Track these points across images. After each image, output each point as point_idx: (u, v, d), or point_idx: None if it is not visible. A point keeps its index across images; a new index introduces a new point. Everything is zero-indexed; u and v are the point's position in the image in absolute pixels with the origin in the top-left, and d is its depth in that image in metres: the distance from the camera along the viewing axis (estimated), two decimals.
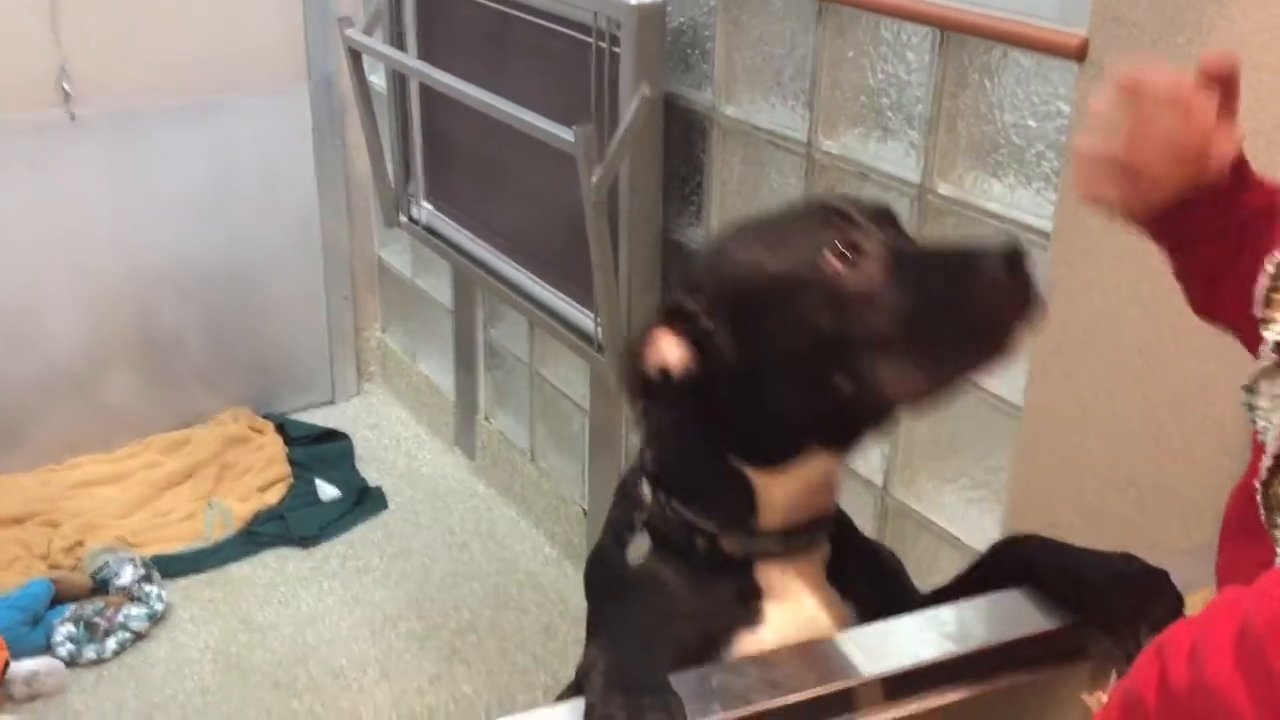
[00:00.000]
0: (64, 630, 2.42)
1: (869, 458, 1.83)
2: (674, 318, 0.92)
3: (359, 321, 3.38)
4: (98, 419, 3.04)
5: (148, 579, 2.59)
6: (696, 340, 0.91)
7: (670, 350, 0.91)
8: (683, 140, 2.14)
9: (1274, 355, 0.69)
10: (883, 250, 0.89)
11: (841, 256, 0.88)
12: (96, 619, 2.45)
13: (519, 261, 2.55)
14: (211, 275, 3.08)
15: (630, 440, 2.41)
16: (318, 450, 3.12)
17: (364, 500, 2.93)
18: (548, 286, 2.46)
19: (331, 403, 3.36)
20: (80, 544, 2.72)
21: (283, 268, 3.18)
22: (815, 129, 1.85)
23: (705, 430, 0.94)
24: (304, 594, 2.63)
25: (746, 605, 0.97)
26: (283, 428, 3.18)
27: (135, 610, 2.49)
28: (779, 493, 0.94)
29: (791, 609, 0.98)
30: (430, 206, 2.83)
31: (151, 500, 2.92)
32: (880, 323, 0.86)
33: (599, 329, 2.27)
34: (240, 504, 2.90)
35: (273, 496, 2.94)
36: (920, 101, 1.69)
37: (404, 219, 2.85)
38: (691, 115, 2.11)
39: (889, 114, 1.75)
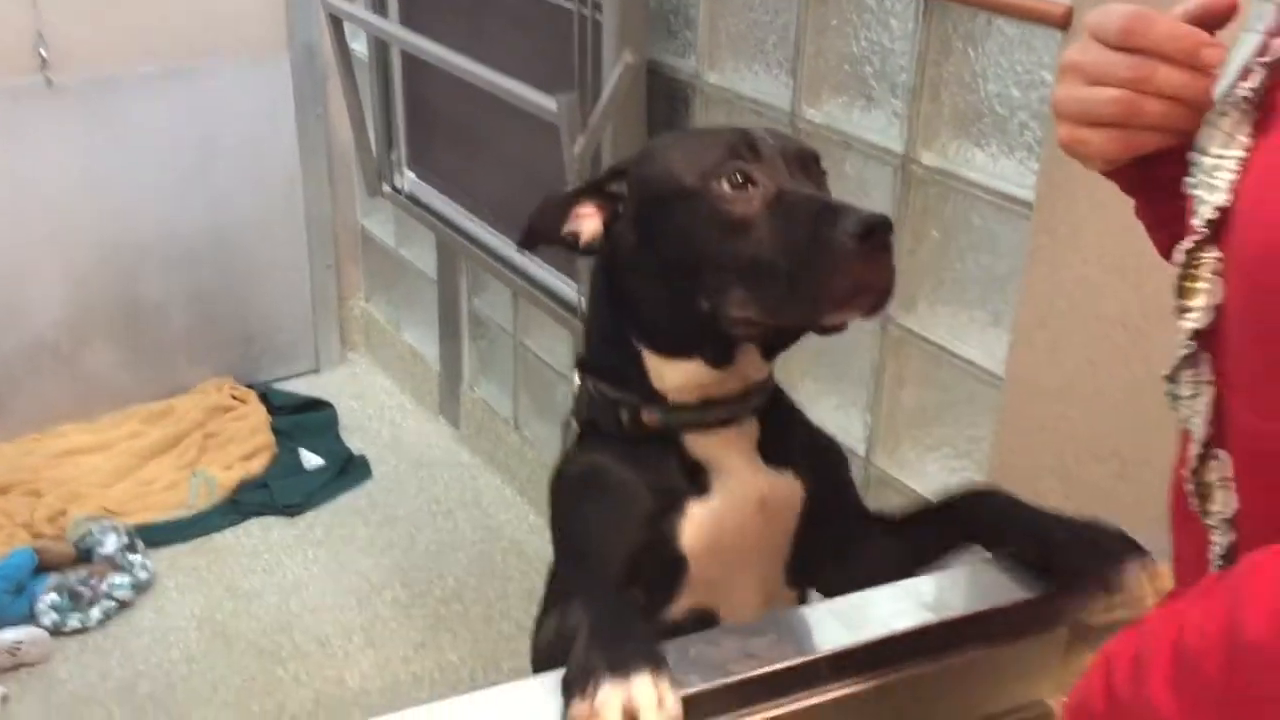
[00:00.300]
0: (48, 599, 2.41)
1: (851, 425, 1.83)
2: (595, 194, 1.02)
3: (342, 290, 3.36)
4: (80, 389, 3.02)
5: (131, 548, 2.58)
6: (609, 221, 1.01)
7: (586, 220, 1.01)
8: (666, 108, 2.12)
9: (1191, 344, 0.68)
10: (772, 187, 0.95)
11: (733, 182, 0.95)
12: (81, 588, 2.44)
13: (502, 231, 2.53)
14: (193, 244, 3.05)
15: None
16: (301, 419, 3.10)
17: (348, 469, 2.92)
18: (530, 256, 2.44)
19: (316, 372, 3.34)
20: (63, 513, 2.70)
21: (265, 237, 3.15)
22: (799, 97, 1.84)
23: (614, 310, 1.03)
24: (289, 562, 2.62)
25: (692, 477, 1.03)
26: (266, 397, 3.17)
27: (119, 579, 2.49)
28: (667, 377, 1.01)
29: (736, 479, 1.03)
30: (413, 175, 2.80)
31: (135, 469, 2.90)
32: (741, 250, 0.93)
33: (582, 298, 2.26)
34: (224, 473, 2.89)
35: (256, 465, 2.93)
36: (904, 70, 1.67)
37: (387, 188, 2.83)
38: (674, 83, 2.09)
39: (872, 82, 1.74)
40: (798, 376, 1.91)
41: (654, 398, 1.02)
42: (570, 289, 2.34)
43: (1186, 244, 0.67)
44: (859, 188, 1.76)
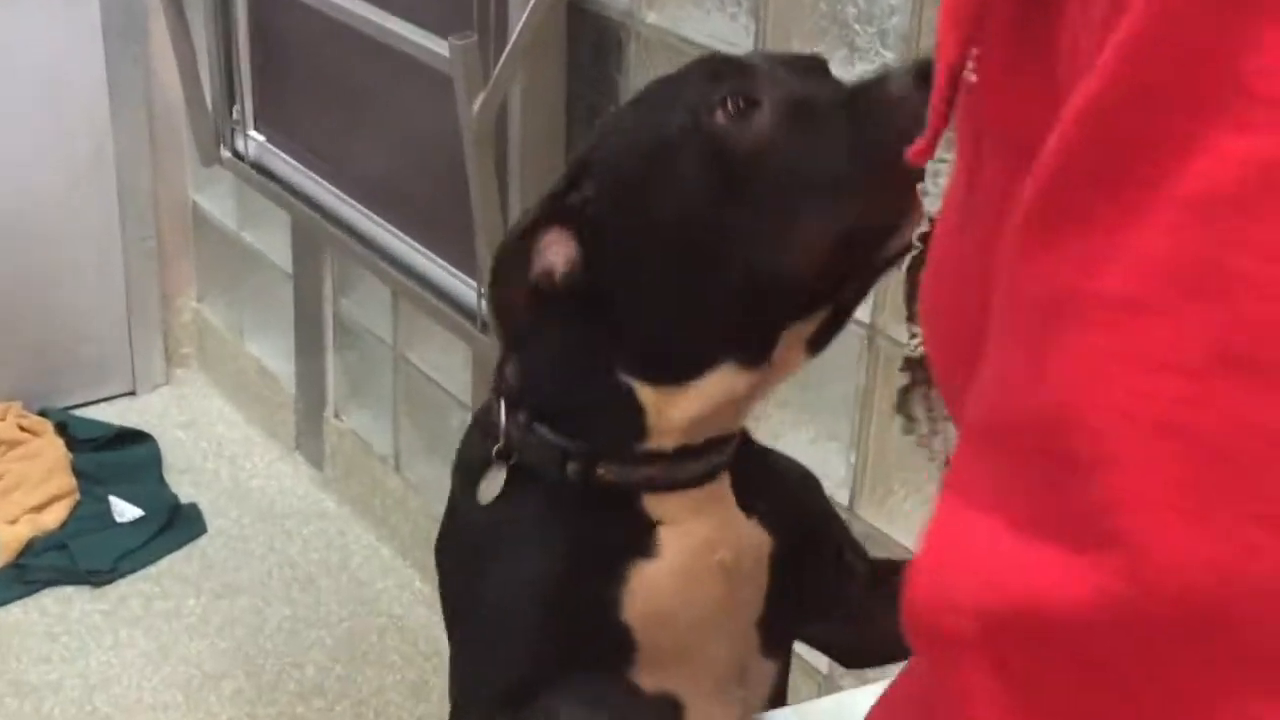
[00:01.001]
0: None
1: (832, 466, 1.84)
2: (557, 212, 0.96)
3: (168, 287, 3.33)
4: None
5: None
6: (581, 235, 0.95)
7: (554, 250, 0.95)
8: (592, 55, 2.12)
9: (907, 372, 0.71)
10: (781, 97, 0.92)
11: (727, 110, 0.91)
12: None
13: (379, 212, 2.52)
14: None
15: None
16: (112, 457, 3.06)
17: (174, 522, 2.88)
18: (416, 246, 2.44)
19: (132, 394, 3.30)
20: None
21: (66, 216, 3.11)
22: (761, 43, 1.84)
23: (587, 340, 0.98)
24: (94, 646, 2.58)
25: (639, 535, 1.01)
26: (65, 428, 3.11)
27: None
28: (675, 414, 0.97)
29: (691, 535, 1.02)
30: (261, 138, 2.78)
31: None
32: (771, 182, 0.91)
33: (483, 302, 2.25)
34: (8, 529, 2.83)
35: (52, 519, 2.88)
36: (895, 12, 1.69)
37: (226, 154, 2.80)
38: (603, 22, 2.09)
39: (856, 26, 1.75)
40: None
41: (621, 447, 0.99)
42: (468, 288, 2.33)
43: (906, 259, 0.70)
44: None
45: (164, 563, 2.79)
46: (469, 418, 2.60)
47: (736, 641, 1.07)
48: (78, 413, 3.18)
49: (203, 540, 2.86)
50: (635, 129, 0.97)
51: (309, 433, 3.03)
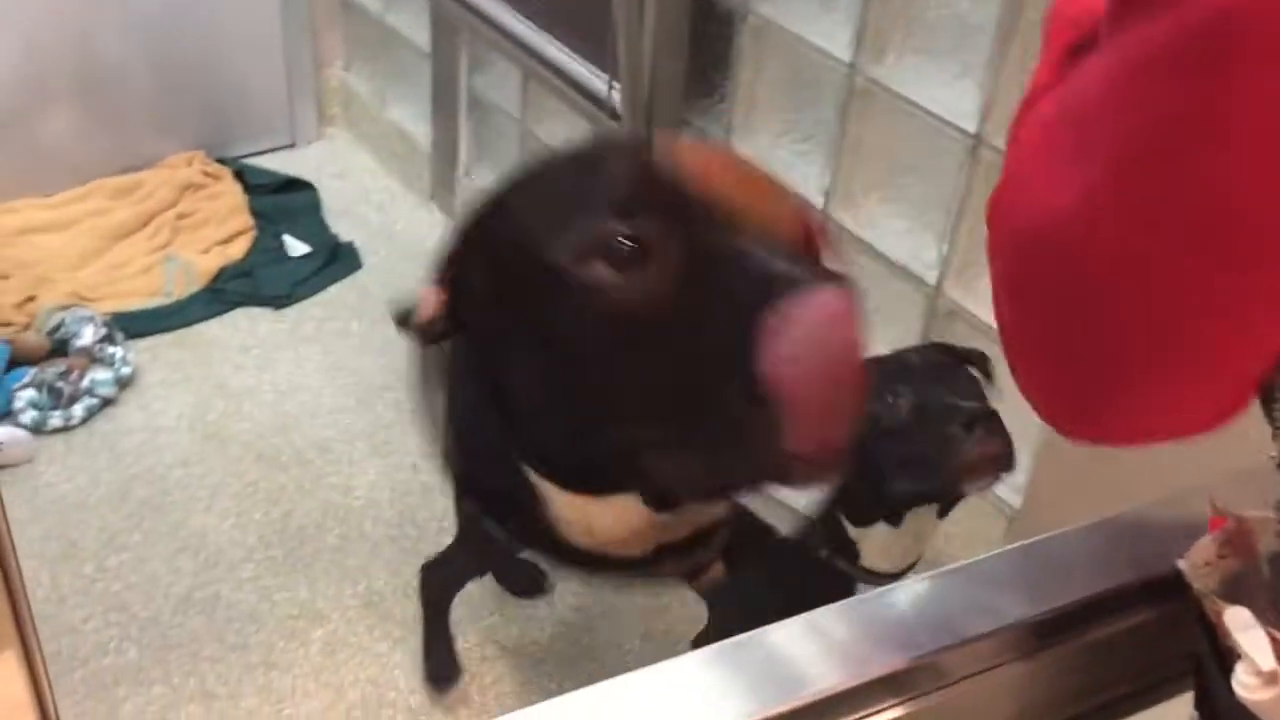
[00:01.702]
0: (25, 396, 2.28)
1: (923, 251, 1.72)
2: (443, 272, 0.81)
3: (319, 57, 3.11)
4: (33, 160, 2.80)
5: (110, 339, 2.44)
6: (450, 302, 0.78)
7: (427, 305, 0.80)
8: None
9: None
10: (678, 249, 0.63)
11: (615, 257, 0.63)
12: (60, 384, 2.31)
13: (516, 5, 2.31)
14: (154, 2, 2.77)
15: None
16: (281, 201, 2.92)
17: (336, 258, 2.76)
18: (550, 38, 2.24)
19: (292, 146, 3.13)
20: (31, 299, 2.54)
21: None
22: None
23: (487, 414, 0.77)
24: (280, 359, 2.50)
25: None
26: (241, 174, 2.96)
27: (101, 374, 2.36)
28: (595, 519, 0.73)
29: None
30: None
31: (103, 252, 2.72)
32: (642, 367, 0.63)
33: (612, 92, 2.08)
34: (202, 258, 2.72)
35: (236, 250, 2.77)
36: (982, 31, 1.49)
37: None
38: None
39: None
40: (862, 194, 1.78)
41: (563, 552, 0.76)
42: (595, 79, 2.15)
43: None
44: None
45: (330, 291, 2.69)
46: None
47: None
48: (248, 161, 3.03)
49: (360, 274, 2.75)
50: (519, 225, 0.72)
51: (443, 186, 2.88)
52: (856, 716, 0.66)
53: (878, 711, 0.67)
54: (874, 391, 0.97)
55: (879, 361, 1.11)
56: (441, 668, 1.85)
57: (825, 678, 0.62)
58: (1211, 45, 0.43)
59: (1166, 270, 0.47)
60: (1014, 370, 0.56)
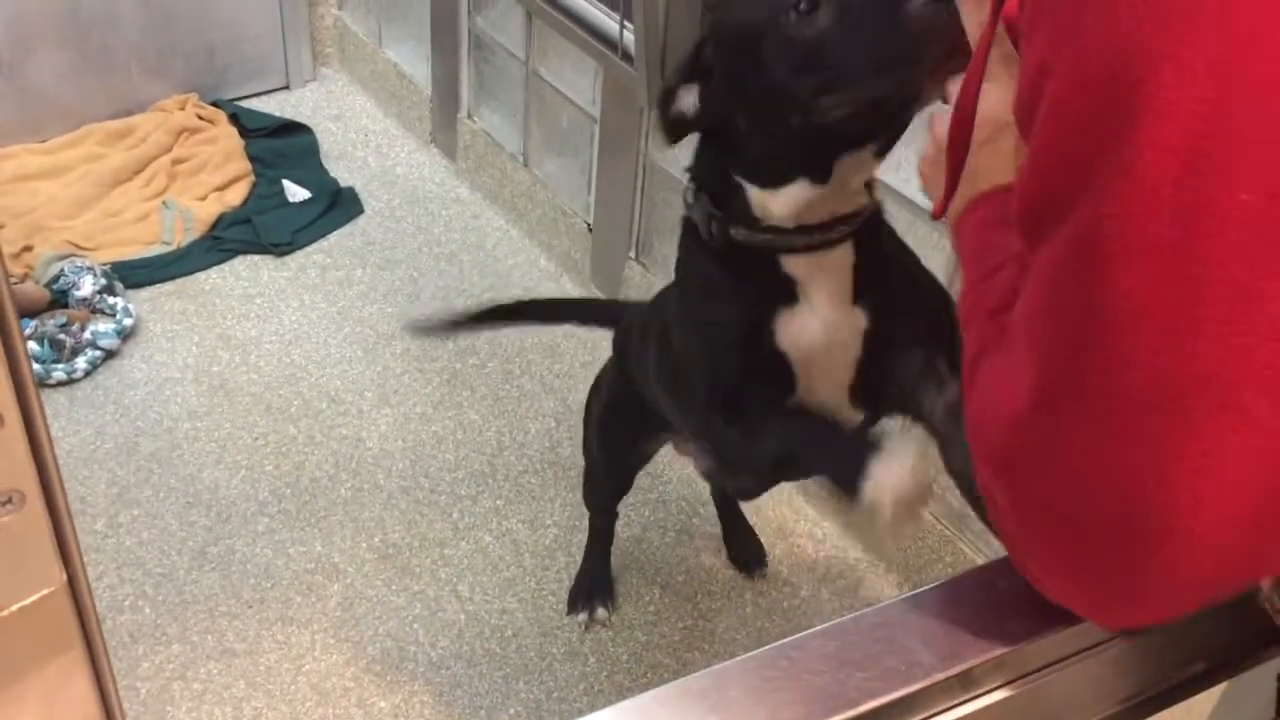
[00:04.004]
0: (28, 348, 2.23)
1: None
2: (690, 72, 1.09)
3: None
4: (25, 104, 2.73)
5: (110, 290, 2.39)
6: (703, 89, 1.08)
7: (686, 99, 1.09)
8: None
9: None
10: (836, 4, 0.98)
11: (798, 10, 0.99)
12: (61, 335, 2.26)
13: None
14: None
15: (649, 155, 2.21)
16: (278, 144, 2.86)
17: (337, 203, 2.71)
18: None
19: (286, 88, 3.06)
20: (28, 249, 2.48)
21: None
22: None
23: (716, 151, 1.12)
24: (284, 308, 2.45)
25: (783, 288, 1.13)
26: (236, 118, 2.89)
27: (102, 326, 2.31)
28: (773, 205, 1.09)
29: (819, 302, 1.13)
30: None
31: (98, 199, 2.66)
32: (820, 67, 0.99)
33: (625, 33, 2.02)
34: (199, 205, 2.66)
35: (234, 196, 2.71)
36: None
37: None
38: None
39: None
40: None
41: (743, 218, 1.11)
42: (606, 19, 2.09)
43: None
44: None
45: (332, 238, 2.64)
46: (596, 129, 2.42)
47: (834, 393, 1.18)
48: (243, 104, 2.96)
49: (362, 219, 2.70)
50: (736, 17, 1.07)
51: (444, 128, 2.82)
52: (948, 705, 0.64)
53: (967, 700, 0.64)
54: None
55: None
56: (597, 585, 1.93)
57: (930, 662, 0.60)
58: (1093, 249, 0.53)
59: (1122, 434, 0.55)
60: (1043, 582, 0.63)
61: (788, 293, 1.12)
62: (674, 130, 1.11)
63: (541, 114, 2.52)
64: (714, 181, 1.13)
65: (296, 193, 2.70)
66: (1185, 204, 0.50)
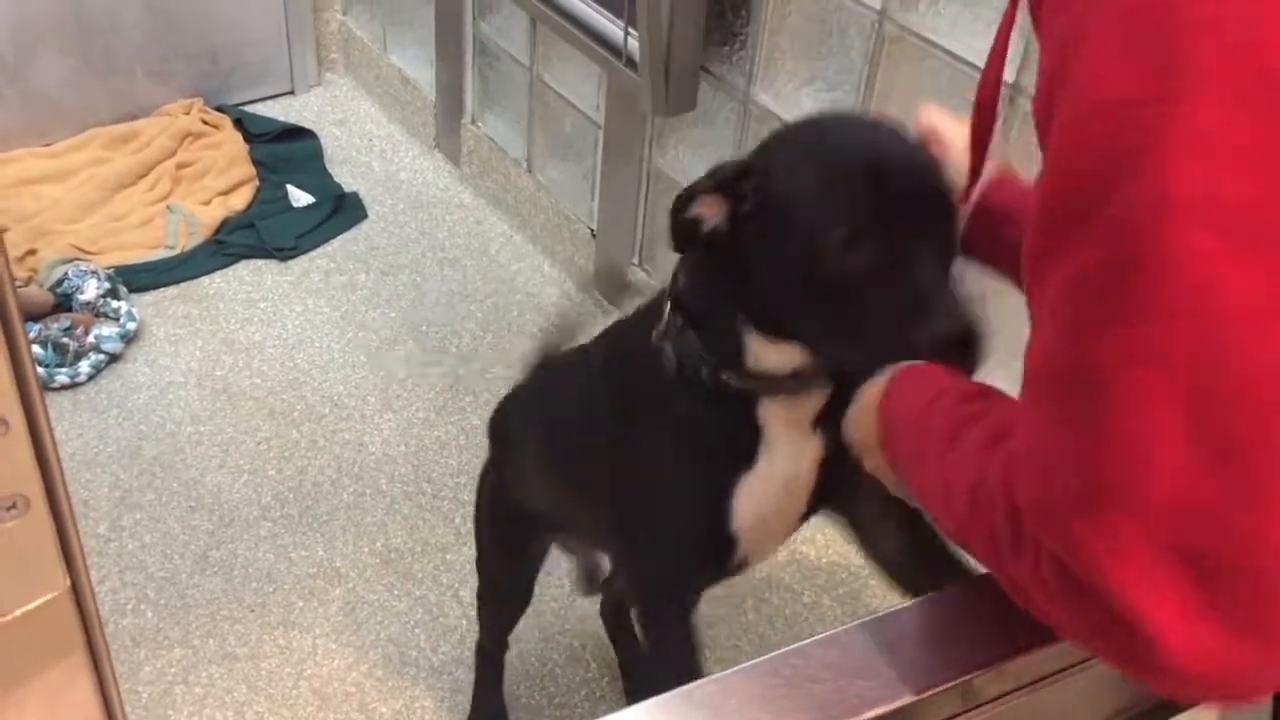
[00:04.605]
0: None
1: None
2: (725, 187, 0.97)
3: (317, 0, 3.03)
4: (29, 108, 2.74)
5: (114, 294, 2.39)
6: (732, 212, 0.97)
7: (710, 209, 0.98)
8: None
9: None
10: (884, 253, 0.91)
11: (846, 240, 0.91)
12: (65, 339, 2.27)
13: None
14: None
15: (653, 161, 2.22)
16: (282, 149, 2.86)
17: (341, 208, 2.71)
18: None
19: (290, 93, 3.07)
20: (32, 253, 2.49)
21: None
22: None
23: (724, 284, 1.01)
24: (288, 312, 2.46)
25: (748, 443, 1.07)
26: (240, 122, 2.90)
27: (106, 330, 2.31)
28: (768, 357, 1.02)
29: (787, 448, 1.08)
30: None
31: (102, 203, 2.67)
32: (845, 300, 0.93)
33: (629, 40, 2.02)
34: (203, 209, 2.67)
35: (238, 201, 2.71)
36: None
37: None
38: None
39: None
40: None
41: (734, 364, 1.03)
42: (611, 26, 2.10)
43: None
44: None
45: (336, 243, 2.64)
46: (600, 135, 2.43)
47: (787, 529, 1.16)
48: (247, 109, 2.96)
49: (365, 224, 2.70)
50: (792, 183, 0.96)
51: (448, 134, 2.82)
52: (949, 715, 0.64)
53: (968, 710, 0.64)
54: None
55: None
56: None
57: (932, 671, 0.60)
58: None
59: None
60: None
61: (750, 449, 1.07)
62: (683, 233, 0.99)
63: (545, 120, 2.53)
64: (707, 317, 1.04)
65: (300, 197, 2.71)
66: None
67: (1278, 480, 0.53)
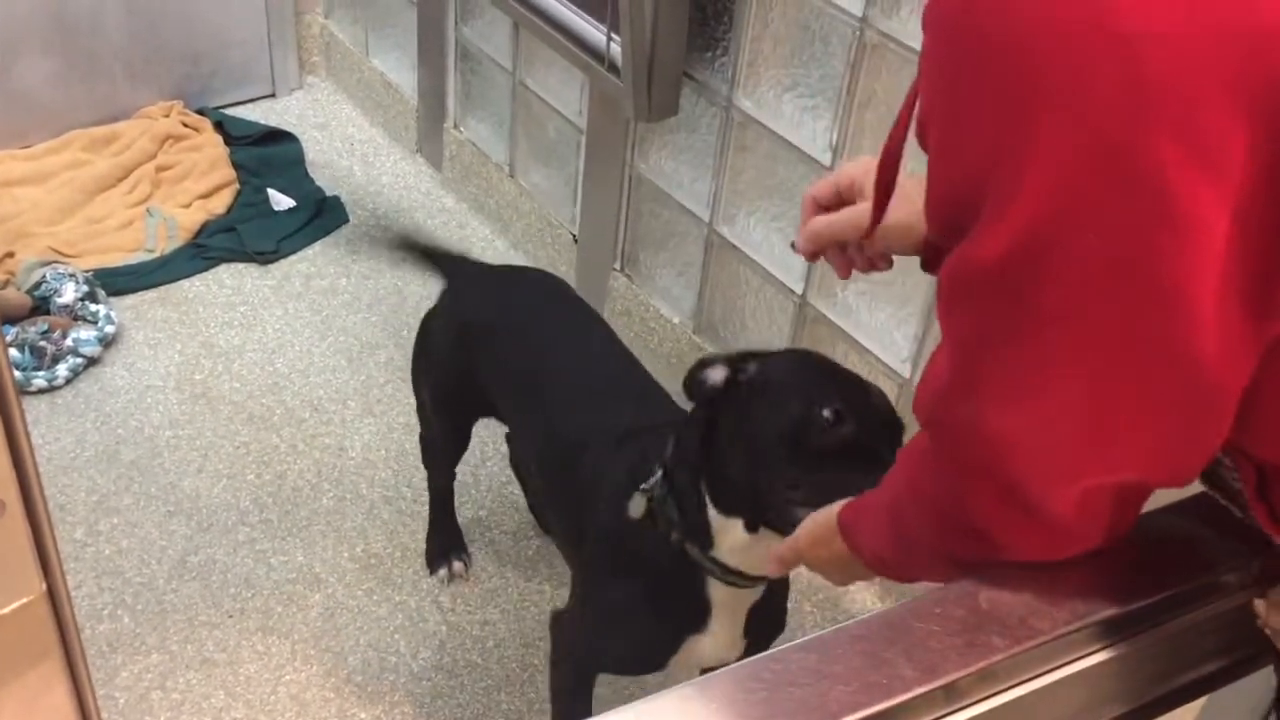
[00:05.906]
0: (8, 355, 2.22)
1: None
2: (732, 360, 1.20)
3: (299, 3, 3.03)
4: (9, 110, 2.72)
5: (92, 297, 2.38)
6: (730, 379, 1.19)
7: (714, 372, 1.19)
8: None
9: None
10: (850, 431, 1.13)
11: (827, 416, 1.12)
12: (42, 343, 2.25)
13: None
14: None
15: (635, 167, 2.22)
16: (263, 152, 2.85)
17: (322, 212, 2.70)
18: None
19: (272, 96, 3.06)
20: (10, 255, 2.47)
21: None
22: None
23: (699, 453, 1.22)
24: (268, 316, 2.45)
25: (698, 614, 1.31)
26: (221, 125, 2.89)
27: (84, 333, 2.30)
28: (722, 535, 1.22)
29: (726, 627, 1.32)
30: None
31: (82, 206, 2.65)
32: (810, 472, 1.12)
33: (612, 45, 2.03)
34: (183, 212, 2.66)
35: (219, 204, 2.70)
36: None
37: None
38: None
39: None
40: (872, 152, 1.74)
41: (699, 542, 1.23)
42: (594, 30, 2.10)
43: None
44: None
45: (317, 246, 2.64)
46: (583, 140, 2.43)
47: (719, 663, 1.36)
48: (229, 112, 2.95)
49: (346, 228, 2.69)
50: (789, 373, 1.19)
51: (430, 138, 2.82)
52: (931, 718, 0.64)
53: (950, 713, 0.65)
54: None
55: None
56: None
57: (912, 675, 0.60)
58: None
59: None
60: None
61: (700, 618, 1.31)
62: (693, 389, 1.20)
63: (528, 124, 2.53)
64: (685, 484, 1.23)
65: (281, 201, 2.70)
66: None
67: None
